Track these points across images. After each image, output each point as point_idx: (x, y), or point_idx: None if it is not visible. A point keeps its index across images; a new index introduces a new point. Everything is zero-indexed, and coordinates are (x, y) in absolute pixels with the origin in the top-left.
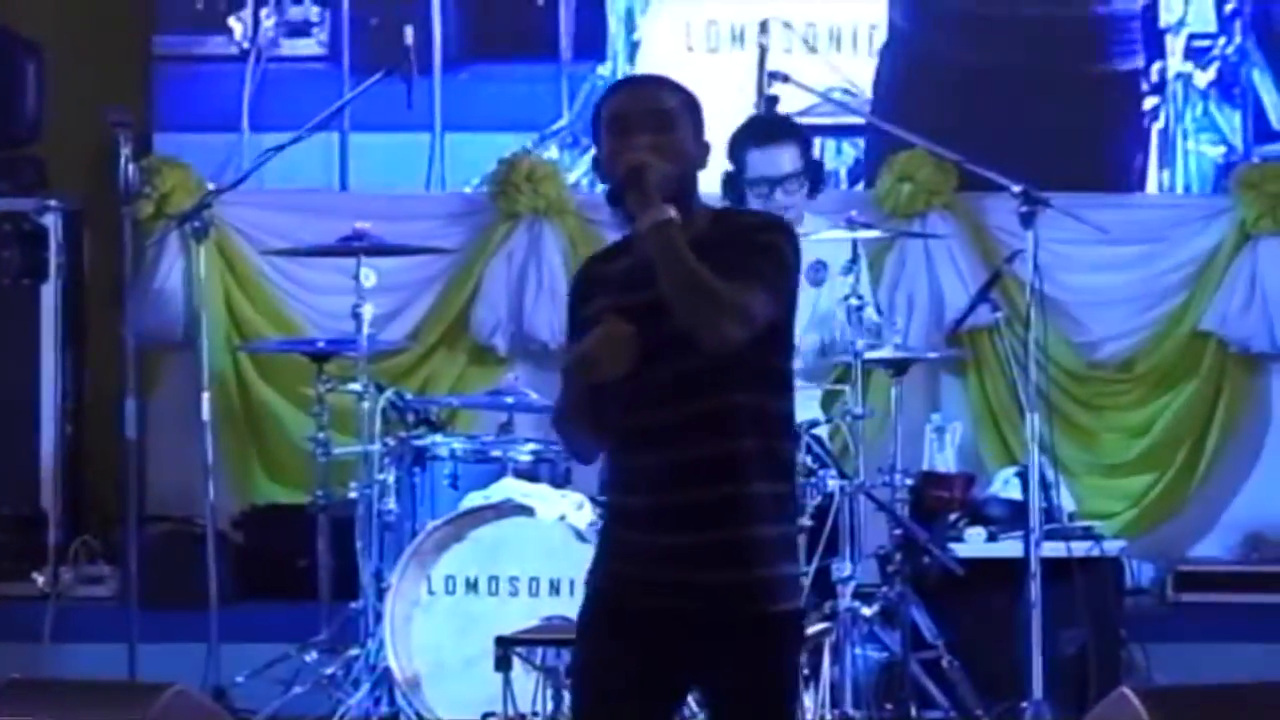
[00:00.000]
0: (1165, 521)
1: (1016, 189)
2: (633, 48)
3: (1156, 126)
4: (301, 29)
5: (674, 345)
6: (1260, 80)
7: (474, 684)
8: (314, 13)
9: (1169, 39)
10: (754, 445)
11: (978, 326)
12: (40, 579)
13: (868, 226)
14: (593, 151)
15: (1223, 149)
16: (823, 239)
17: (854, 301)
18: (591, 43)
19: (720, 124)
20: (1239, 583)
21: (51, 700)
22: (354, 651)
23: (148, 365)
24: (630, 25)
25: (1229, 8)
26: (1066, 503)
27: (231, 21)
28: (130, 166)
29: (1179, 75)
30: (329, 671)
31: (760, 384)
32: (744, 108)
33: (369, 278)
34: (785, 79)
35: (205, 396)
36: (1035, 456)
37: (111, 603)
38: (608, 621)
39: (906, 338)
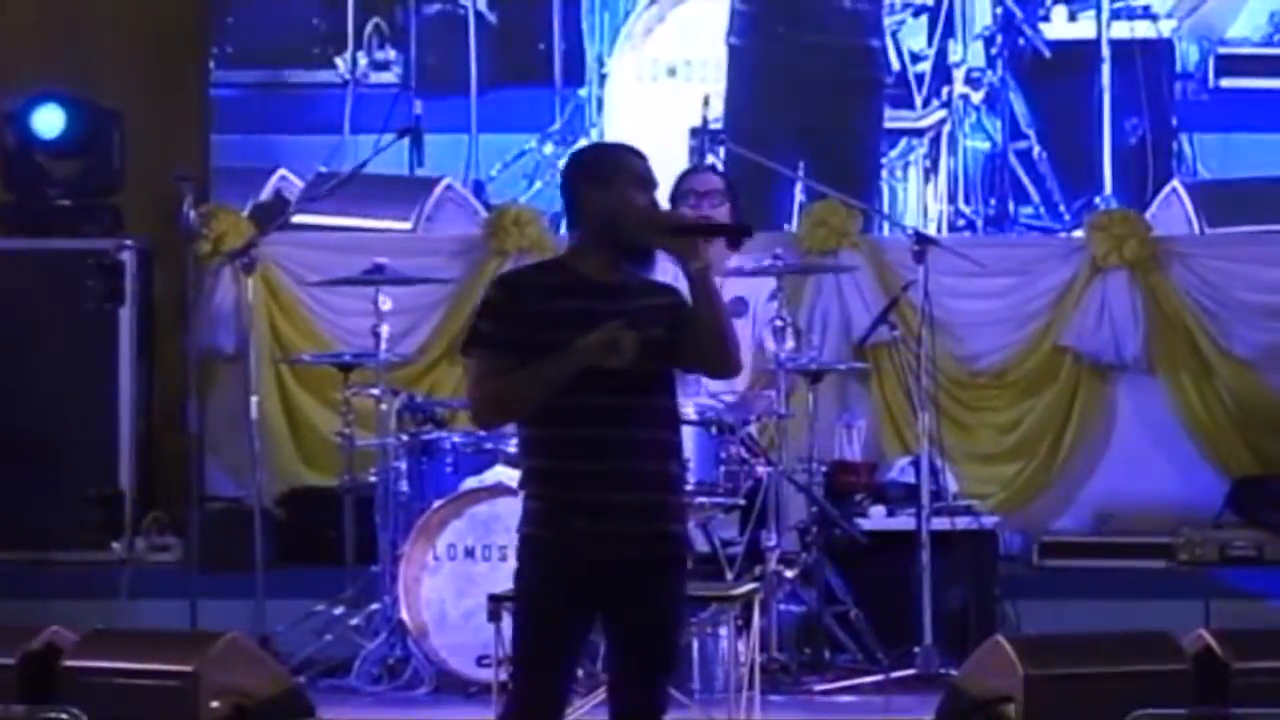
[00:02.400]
0: (1031, 501)
1: (910, 231)
2: (602, 78)
3: (945, 129)
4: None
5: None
6: (1014, 98)
7: (471, 633)
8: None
9: (955, 71)
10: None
11: (879, 343)
12: (118, 547)
13: (791, 262)
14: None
15: (988, 144)
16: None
17: (779, 323)
18: (575, 73)
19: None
20: (1092, 551)
21: (129, 645)
22: (374, 606)
23: (206, 374)
24: (601, 62)
25: (994, 51)
26: (951, 485)
27: None
28: (191, 213)
29: (961, 96)
30: (353, 622)
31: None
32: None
33: (385, 303)
34: (723, 141)
35: (253, 399)
36: (926, 448)
37: (176, 567)
38: (562, 569)
39: (821, 352)
